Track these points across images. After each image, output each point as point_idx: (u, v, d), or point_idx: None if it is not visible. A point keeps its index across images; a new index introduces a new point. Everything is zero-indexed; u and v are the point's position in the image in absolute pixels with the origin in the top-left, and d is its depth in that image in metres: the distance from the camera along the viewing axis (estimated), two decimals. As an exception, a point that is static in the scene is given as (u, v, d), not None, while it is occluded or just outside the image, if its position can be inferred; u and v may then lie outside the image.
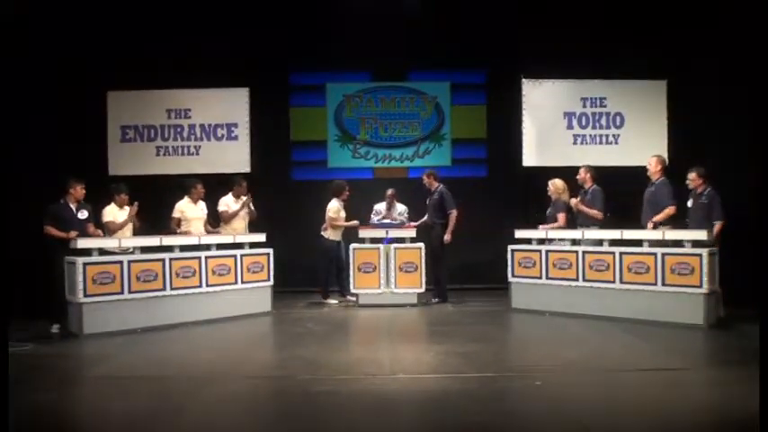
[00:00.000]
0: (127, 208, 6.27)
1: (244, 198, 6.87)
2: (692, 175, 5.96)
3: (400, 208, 7.48)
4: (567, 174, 6.80)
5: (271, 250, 6.73)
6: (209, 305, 6.24)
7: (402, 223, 7.24)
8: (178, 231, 6.48)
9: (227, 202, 6.81)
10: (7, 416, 3.15)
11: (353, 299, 7.09)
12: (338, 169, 8.18)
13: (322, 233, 7.14)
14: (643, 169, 6.28)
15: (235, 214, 6.72)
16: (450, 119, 8.33)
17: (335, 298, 7.05)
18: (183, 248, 6.20)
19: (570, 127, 7.91)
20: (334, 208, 7.13)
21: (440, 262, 7.04)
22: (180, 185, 6.56)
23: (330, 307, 6.99)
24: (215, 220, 6.79)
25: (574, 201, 6.52)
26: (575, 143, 7.90)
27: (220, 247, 6.45)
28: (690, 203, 5.96)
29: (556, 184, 6.68)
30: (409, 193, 7.64)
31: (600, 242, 6.24)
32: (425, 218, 7.22)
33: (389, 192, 7.45)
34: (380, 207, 7.48)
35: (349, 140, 8.34)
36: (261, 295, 6.64)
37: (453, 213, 7.01)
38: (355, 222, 7.18)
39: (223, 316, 6.28)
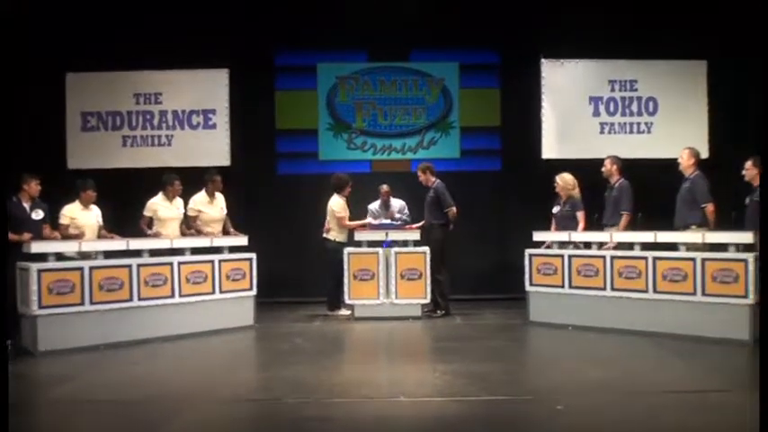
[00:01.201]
0: (93, 207, 6.27)
1: (218, 195, 6.85)
2: (747, 164, 5.82)
3: (398, 204, 7.51)
4: (593, 168, 6.81)
5: (253, 255, 6.74)
6: (183, 318, 6.25)
7: (403, 224, 7.26)
8: (149, 233, 6.48)
9: (198, 203, 6.79)
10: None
11: (347, 312, 7.11)
12: (331, 162, 8.21)
13: (325, 235, 7.15)
14: (678, 162, 6.28)
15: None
16: (458, 104, 8.38)
17: (346, 307, 7.06)
18: (154, 253, 6.18)
19: (596, 114, 7.93)
20: (340, 205, 7.13)
21: (438, 268, 7.02)
22: (160, 180, 6.59)
23: (339, 319, 7.03)
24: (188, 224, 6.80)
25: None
26: (601, 132, 7.92)
27: (196, 251, 6.43)
28: (747, 200, 5.86)
29: (565, 179, 6.69)
30: (412, 190, 7.65)
31: (630, 246, 6.24)
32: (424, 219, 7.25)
33: (383, 188, 7.47)
34: (375, 206, 7.52)
35: (343, 129, 8.39)
36: (242, 307, 6.65)
37: (452, 211, 7.01)
38: (367, 221, 7.21)
39: (199, 330, 6.28)
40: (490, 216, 8.07)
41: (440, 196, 7.06)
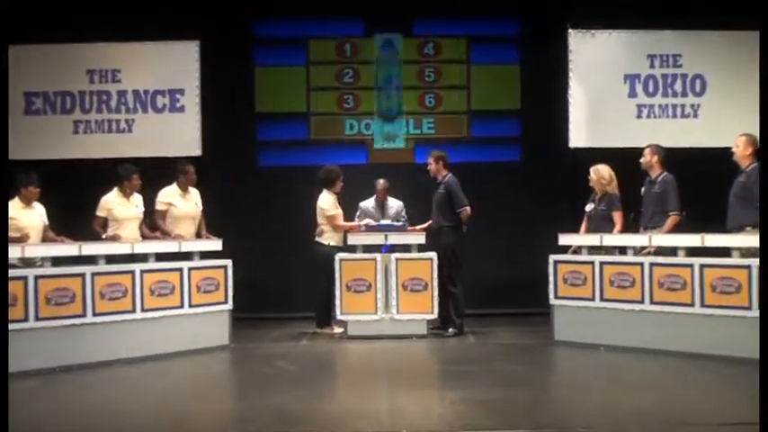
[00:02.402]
0: (37, 205, 6.26)
1: (192, 190, 6.88)
2: None
3: (396, 205, 7.54)
4: (629, 159, 6.79)
5: (229, 262, 6.76)
6: (146, 337, 6.24)
7: (405, 225, 7.27)
8: (104, 236, 6.48)
9: (168, 196, 6.81)
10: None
11: (340, 330, 7.10)
12: (322, 151, 8.29)
13: (317, 238, 7.17)
14: (731, 152, 6.28)
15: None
16: (470, 84, 8.43)
17: (338, 324, 7.10)
18: (111, 259, 6.21)
19: (633, 94, 7.89)
20: (330, 202, 7.15)
21: (452, 279, 7.04)
22: (115, 174, 6.61)
23: (331, 338, 7.06)
24: (153, 222, 6.84)
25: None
26: (639, 116, 7.89)
27: (161, 257, 6.44)
28: None
29: (600, 172, 6.71)
30: (414, 186, 7.73)
31: (673, 251, 6.24)
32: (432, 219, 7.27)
33: (380, 183, 7.49)
34: (368, 205, 7.52)
35: (336, 113, 8.50)
36: (216, 323, 6.67)
37: (466, 210, 7.00)
38: (365, 222, 7.22)
39: (165, 351, 6.28)
40: (507, 215, 8.10)
41: (451, 193, 7.05)
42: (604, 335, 6.40)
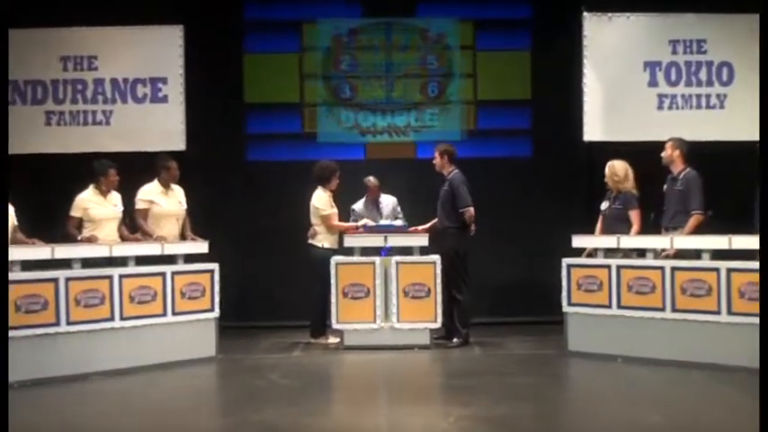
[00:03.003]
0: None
1: (175, 187, 6.89)
2: None
3: (389, 202, 7.58)
4: (649, 154, 6.78)
5: (216, 266, 6.77)
6: (125, 347, 6.23)
7: (406, 226, 7.26)
8: (79, 238, 6.46)
9: (149, 193, 6.81)
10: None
11: (335, 340, 7.11)
12: (316, 145, 8.38)
13: (310, 240, 7.18)
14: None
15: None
16: (476, 72, 8.44)
17: (334, 334, 7.12)
18: (87, 263, 6.18)
19: (654, 83, 7.86)
20: (324, 201, 7.16)
21: (457, 285, 7.04)
22: (91, 170, 6.60)
23: (326, 349, 7.07)
24: (133, 222, 6.85)
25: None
26: (660, 107, 7.86)
27: (142, 261, 6.43)
28: None
29: (614, 168, 6.71)
30: (416, 182, 7.79)
31: (697, 254, 6.23)
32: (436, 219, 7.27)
33: (371, 181, 7.53)
34: (359, 206, 7.61)
35: (331, 103, 8.54)
36: (201, 332, 6.67)
37: (469, 211, 7.00)
38: (363, 222, 7.22)
39: (146, 363, 6.27)
40: (516, 215, 8.11)
41: (454, 191, 7.04)
42: (622, 345, 6.38)
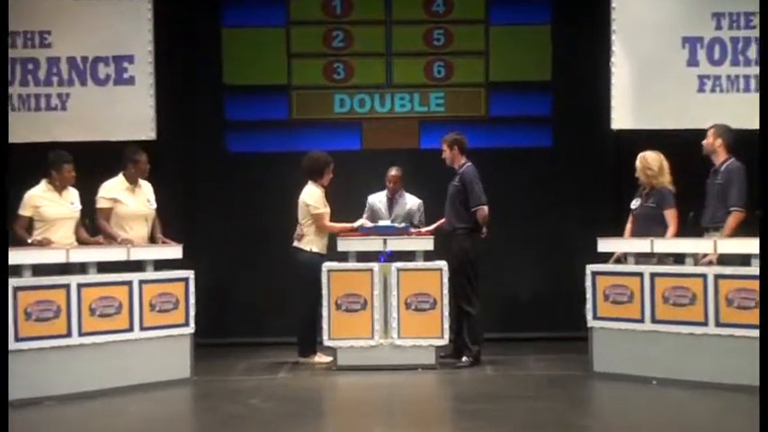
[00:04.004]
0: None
1: (143, 183, 6.86)
2: None
3: (410, 201, 7.56)
4: (689, 144, 6.73)
5: (191, 274, 6.73)
6: (85, 368, 6.17)
7: (407, 227, 7.23)
8: (29, 240, 6.40)
9: (113, 190, 6.76)
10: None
11: (327, 359, 7.08)
12: (306, 134, 8.32)
13: (296, 243, 7.19)
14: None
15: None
16: (488, 50, 8.37)
17: (325, 354, 7.14)
18: (39, 270, 6.12)
19: (693, 63, 7.74)
20: (317, 197, 7.16)
21: (466, 295, 7.02)
22: (44, 163, 6.54)
23: (316, 369, 7.06)
24: (94, 223, 6.77)
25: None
26: (701, 90, 7.74)
27: (104, 267, 6.38)
28: None
29: (647, 161, 6.71)
30: (420, 177, 7.68)
31: (746, 260, 6.15)
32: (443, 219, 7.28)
33: (392, 173, 7.46)
34: (378, 199, 7.55)
35: (323, 85, 8.50)
36: (174, 351, 6.64)
37: (482, 211, 6.97)
38: (359, 222, 7.24)
39: (108, 386, 6.22)
40: (534, 215, 8.08)
41: (467, 186, 7.00)
42: (656, 365, 6.34)
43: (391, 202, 7.51)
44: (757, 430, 5.00)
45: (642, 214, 6.72)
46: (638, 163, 6.72)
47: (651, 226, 6.62)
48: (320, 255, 7.10)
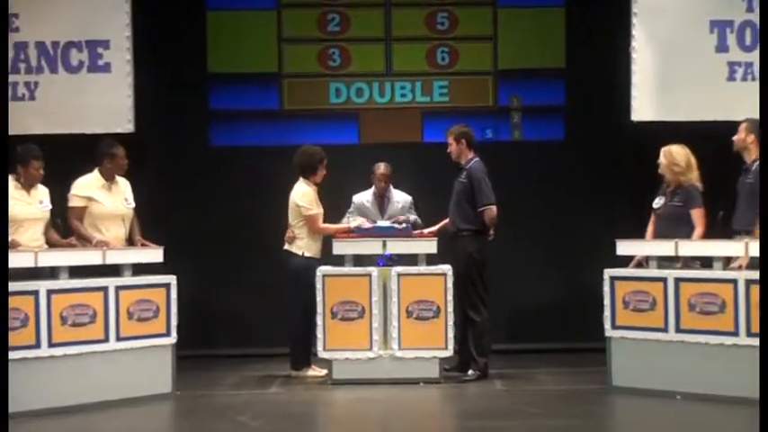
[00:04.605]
0: None
1: (121, 180, 6.85)
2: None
3: (400, 198, 7.57)
4: (719, 139, 6.68)
5: (173, 279, 6.71)
6: (55, 382, 6.12)
7: (409, 228, 7.20)
8: (-6, 243, 6.46)
9: (87, 187, 6.72)
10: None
11: (321, 372, 7.06)
12: (298, 126, 8.31)
13: (287, 247, 7.19)
14: None
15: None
16: (497, 34, 8.40)
17: (320, 366, 7.14)
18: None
19: (723, 49, 7.73)
20: (309, 197, 7.17)
21: (473, 302, 7.01)
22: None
23: (309, 383, 7.05)
24: (66, 224, 6.75)
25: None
26: (731, 78, 7.73)
27: (77, 272, 6.36)
28: None
29: (673, 155, 6.68)
30: (422, 173, 7.76)
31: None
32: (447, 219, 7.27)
33: (380, 169, 7.43)
34: (363, 199, 7.54)
35: (320, 72, 8.50)
36: (154, 363, 6.62)
37: (491, 211, 6.96)
38: (356, 223, 7.22)
39: (82, 402, 6.20)
40: (547, 215, 8.09)
41: (474, 184, 6.98)
42: (681, 379, 6.31)
43: (381, 200, 7.49)
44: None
45: (667, 214, 6.68)
46: (662, 158, 6.69)
47: (676, 227, 6.58)
48: (314, 259, 7.10)
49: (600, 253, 6.76)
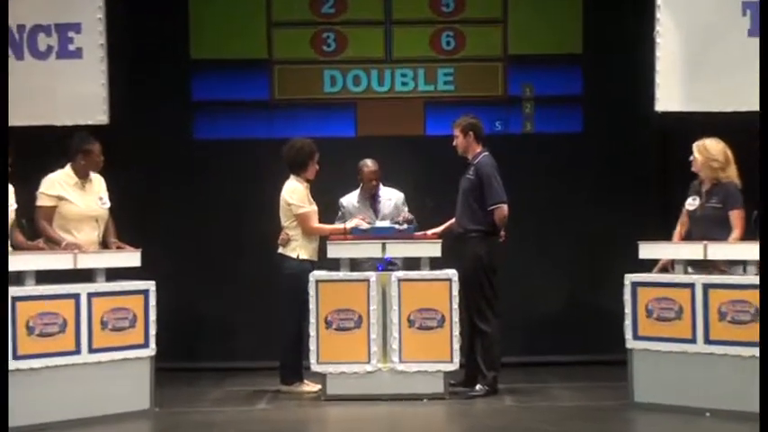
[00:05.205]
0: None
1: (95, 178, 6.83)
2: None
3: (392, 196, 7.61)
4: (751, 131, 6.57)
5: (151, 285, 6.71)
6: (22, 397, 6.02)
7: (411, 228, 7.17)
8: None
9: (57, 185, 6.69)
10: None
11: (315, 387, 7.10)
12: (290, 117, 8.37)
13: (281, 250, 7.23)
14: None
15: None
16: (507, 17, 8.47)
17: (312, 381, 7.17)
18: (-33, 282, 6.13)
19: (756, 33, 7.57)
20: (300, 194, 7.19)
21: (481, 311, 7.00)
22: None
23: (302, 398, 7.06)
24: (32, 225, 6.73)
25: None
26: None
27: (45, 277, 6.35)
28: None
29: (708, 151, 6.66)
30: (426, 168, 7.84)
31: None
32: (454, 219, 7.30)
33: (367, 166, 7.49)
34: (351, 201, 7.61)
35: (314, 59, 8.54)
36: (131, 377, 6.61)
37: (501, 210, 6.95)
38: (353, 224, 7.20)
39: (51, 420, 6.18)
40: (563, 215, 8.12)
41: (484, 181, 6.96)
42: (710, 394, 6.27)
43: (373, 200, 7.49)
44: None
45: (704, 216, 6.60)
46: (696, 154, 6.62)
47: (715, 230, 6.51)
48: (310, 262, 7.11)
49: (621, 256, 6.77)
